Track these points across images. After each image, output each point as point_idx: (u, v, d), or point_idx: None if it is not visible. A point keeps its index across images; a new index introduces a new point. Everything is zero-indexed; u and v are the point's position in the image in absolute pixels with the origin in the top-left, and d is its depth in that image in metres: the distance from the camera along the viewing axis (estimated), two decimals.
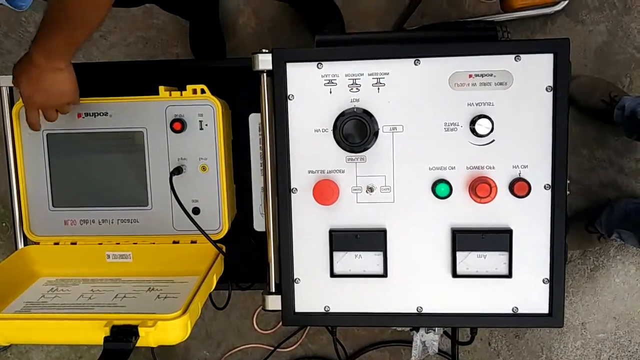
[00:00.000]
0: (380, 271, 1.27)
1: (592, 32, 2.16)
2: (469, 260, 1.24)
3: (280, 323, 2.35)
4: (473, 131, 1.21)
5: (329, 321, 1.33)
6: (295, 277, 1.29)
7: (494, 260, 1.24)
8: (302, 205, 1.28)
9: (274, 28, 2.29)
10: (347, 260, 1.27)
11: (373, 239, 1.26)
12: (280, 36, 2.28)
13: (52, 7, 1.13)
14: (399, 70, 1.23)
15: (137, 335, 1.06)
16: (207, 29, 2.21)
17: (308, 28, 2.22)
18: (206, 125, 1.39)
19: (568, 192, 1.22)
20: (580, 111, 2.14)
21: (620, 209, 2.04)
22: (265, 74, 1.27)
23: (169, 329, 1.08)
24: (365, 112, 1.23)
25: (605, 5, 2.15)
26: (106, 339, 1.06)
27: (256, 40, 2.29)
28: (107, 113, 1.41)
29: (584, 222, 2.16)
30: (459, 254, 1.24)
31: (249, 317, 2.41)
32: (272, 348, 2.40)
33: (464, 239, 1.24)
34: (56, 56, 1.22)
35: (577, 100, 2.10)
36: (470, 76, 1.21)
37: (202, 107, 1.39)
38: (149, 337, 1.07)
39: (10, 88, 1.45)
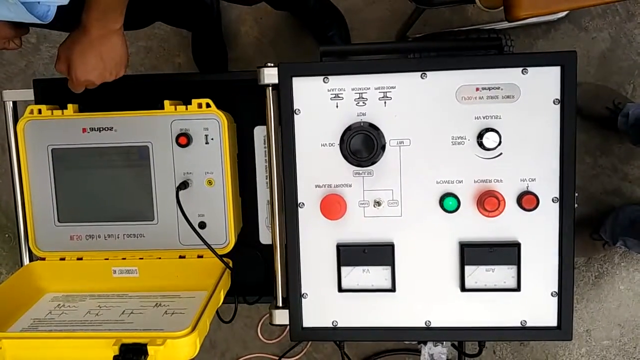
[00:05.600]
0: (388, 285, 1.26)
1: (595, 39, 2.15)
2: (477, 274, 1.24)
3: (285, 332, 2.36)
4: (480, 144, 1.20)
5: (337, 336, 1.32)
6: (302, 292, 1.29)
7: (503, 274, 1.24)
8: (309, 220, 1.27)
9: (276, 37, 2.29)
10: (354, 275, 1.26)
11: (381, 254, 1.26)
12: (282, 45, 2.28)
13: None
14: (405, 84, 1.22)
15: (146, 353, 1.05)
16: (209, 39, 2.20)
17: (312, 35, 2.22)
18: (212, 139, 1.39)
19: (576, 205, 1.22)
20: (583, 119, 2.14)
21: (625, 217, 2.04)
22: (270, 88, 1.26)
23: (178, 347, 1.08)
24: (372, 126, 1.22)
25: (608, 12, 2.14)
26: (115, 357, 1.05)
27: (258, 49, 2.29)
28: (112, 128, 1.40)
29: (588, 229, 2.16)
30: (467, 268, 1.24)
31: (254, 327, 2.40)
32: (276, 358, 2.40)
33: (472, 253, 1.24)
34: (110, 16, 1.17)
35: (580, 108, 2.09)
36: (477, 89, 1.21)
37: (208, 121, 1.39)
38: (157, 355, 1.06)
39: (15, 102, 1.45)
